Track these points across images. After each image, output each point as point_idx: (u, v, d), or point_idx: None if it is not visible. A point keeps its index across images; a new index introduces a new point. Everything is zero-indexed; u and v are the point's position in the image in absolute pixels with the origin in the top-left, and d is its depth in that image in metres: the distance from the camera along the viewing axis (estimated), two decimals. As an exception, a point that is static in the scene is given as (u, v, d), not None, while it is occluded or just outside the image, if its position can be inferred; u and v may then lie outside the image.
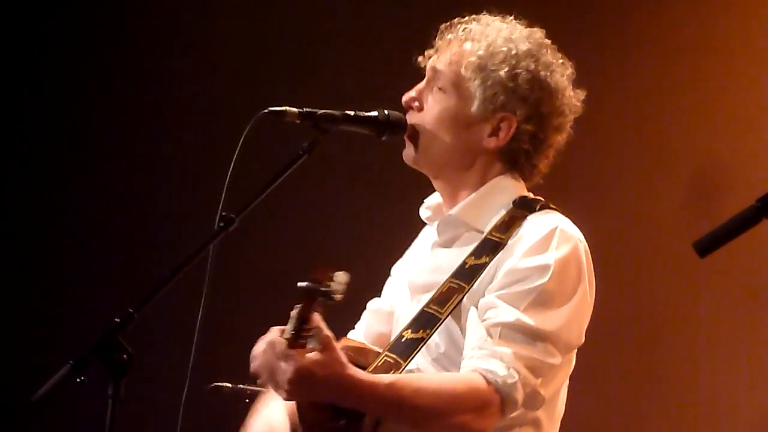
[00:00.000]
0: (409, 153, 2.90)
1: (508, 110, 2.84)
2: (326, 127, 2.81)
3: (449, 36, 2.92)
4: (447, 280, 2.77)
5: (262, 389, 3.64)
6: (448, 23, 2.95)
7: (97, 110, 5.68)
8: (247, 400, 3.62)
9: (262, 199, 2.70)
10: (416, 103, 2.91)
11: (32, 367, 3.56)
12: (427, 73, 2.93)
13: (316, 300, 2.47)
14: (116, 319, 2.52)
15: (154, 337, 4.48)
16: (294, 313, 2.52)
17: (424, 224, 3.06)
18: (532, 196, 2.89)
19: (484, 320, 2.68)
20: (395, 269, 3.09)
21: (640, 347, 4.85)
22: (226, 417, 4.01)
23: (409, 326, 2.76)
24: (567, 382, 2.84)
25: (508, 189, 2.87)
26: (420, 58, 2.97)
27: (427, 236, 3.03)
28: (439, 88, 2.88)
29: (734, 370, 4.77)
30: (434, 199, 2.98)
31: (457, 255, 2.82)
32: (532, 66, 2.85)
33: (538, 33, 2.91)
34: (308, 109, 2.81)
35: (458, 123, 2.85)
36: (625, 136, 5.00)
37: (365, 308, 3.08)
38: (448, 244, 2.89)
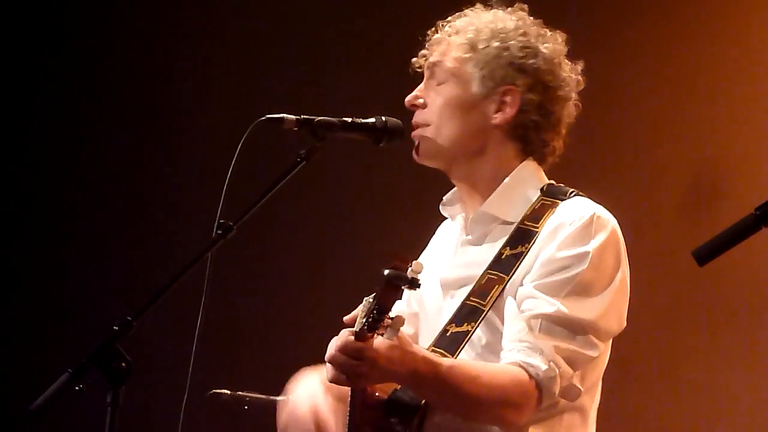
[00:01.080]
0: (419, 149, 2.90)
1: (509, 83, 2.84)
2: (324, 134, 2.81)
3: (438, 35, 2.94)
4: (485, 272, 2.78)
5: (261, 396, 3.65)
6: (434, 28, 2.97)
7: (94, 117, 5.68)
8: (246, 407, 3.62)
9: (260, 206, 2.70)
10: (420, 101, 2.91)
11: (31, 376, 3.56)
12: (425, 73, 2.94)
13: (399, 290, 2.44)
14: (115, 327, 2.52)
15: (152, 345, 4.47)
16: (369, 300, 2.50)
17: (427, 226, 3.06)
18: (560, 184, 2.89)
19: (523, 311, 2.69)
20: (439, 275, 3.06)
21: (639, 350, 4.85)
22: (225, 424, 4.02)
23: (452, 320, 2.77)
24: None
25: (531, 177, 2.87)
26: (415, 61, 2.97)
27: (448, 233, 3.02)
28: (439, 80, 2.89)
29: (734, 374, 4.77)
30: (453, 195, 2.98)
31: (490, 250, 2.82)
32: (523, 37, 2.87)
33: (521, 11, 2.94)
34: (306, 116, 2.81)
35: (463, 107, 2.86)
36: (623, 140, 5.00)
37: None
38: (479, 241, 2.88)
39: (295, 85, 5.33)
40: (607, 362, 2.84)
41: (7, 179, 5.79)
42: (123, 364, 2.49)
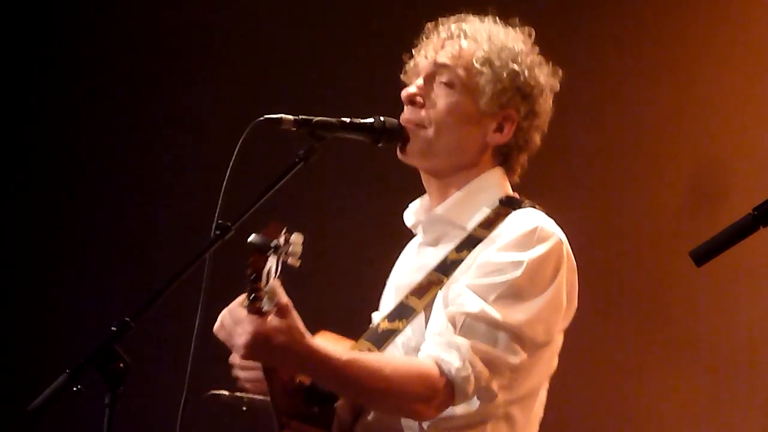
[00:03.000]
0: (411, 148, 2.88)
1: (512, 107, 2.86)
2: (322, 134, 2.81)
3: (443, 34, 2.91)
4: (428, 273, 2.79)
5: (260, 397, 3.64)
6: (434, 22, 2.96)
7: (93, 117, 5.67)
8: (245, 408, 3.62)
9: (259, 206, 2.69)
10: (419, 99, 2.89)
11: (29, 377, 3.56)
12: (427, 69, 2.90)
13: (265, 254, 2.43)
14: (113, 328, 2.52)
15: (150, 346, 4.47)
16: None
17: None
18: (518, 195, 2.90)
19: (450, 308, 2.69)
20: (388, 282, 3.08)
21: (639, 349, 4.85)
22: (223, 425, 4.01)
23: (386, 317, 2.79)
24: (547, 385, 2.84)
25: (493, 187, 2.88)
26: (415, 53, 2.95)
27: (413, 244, 3.03)
28: (444, 83, 2.87)
29: (734, 372, 4.77)
30: (418, 204, 2.97)
31: (442, 252, 2.83)
32: (531, 65, 2.88)
33: (527, 33, 2.94)
34: (304, 117, 2.81)
35: (467, 118, 2.86)
36: (623, 140, 4.99)
37: (366, 317, 3.07)
38: (434, 243, 2.89)
39: (293, 85, 5.33)
40: (545, 379, 2.82)
41: (6, 179, 5.79)
42: (121, 365, 2.49)
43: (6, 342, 5.66)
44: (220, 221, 2.66)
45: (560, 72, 2.95)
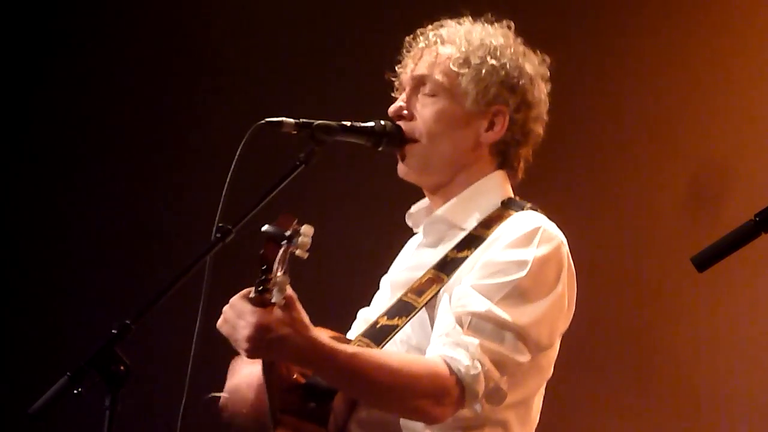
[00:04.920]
0: (408, 164, 2.89)
1: (501, 102, 2.86)
2: (323, 137, 2.81)
3: (421, 44, 2.92)
4: (427, 271, 2.79)
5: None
6: (412, 35, 2.96)
7: (94, 119, 5.68)
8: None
9: (259, 209, 2.69)
10: (405, 112, 2.90)
11: (29, 379, 3.56)
12: (409, 83, 2.92)
13: (279, 245, 2.42)
14: (113, 331, 2.52)
15: (151, 349, 4.47)
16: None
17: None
18: (519, 198, 2.90)
19: (456, 308, 2.68)
20: (383, 281, 3.09)
21: (639, 351, 4.84)
22: (223, 428, 4.01)
23: (385, 313, 2.79)
24: (543, 392, 2.83)
25: (495, 189, 2.88)
26: (399, 69, 2.96)
27: (414, 243, 3.03)
28: (427, 94, 2.88)
29: (734, 374, 4.77)
30: (420, 205, 2.98)
31: (442, 252, 2.83)
32: (513, 56, 2.88)
33: (506, 27, 2.94)
34: (305, 120, 2.81)
35: (456, 122, 2.86)
36: (624, 140, 5.00)
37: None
38: (434, 244, 2.90)
39: (294, 88, 5.33)
40: (542, 384, 2.81)
41: (7, 181, 5.79)
42: (121, 368, 2.49)
43: (7, 344, 5.66)
44: (220, 224, 2.66)
45: (548, 59, 2.95)
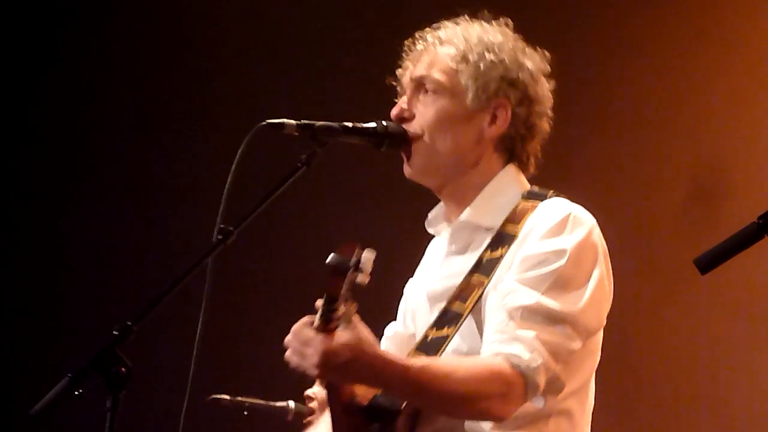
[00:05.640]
0: (413, 164, 2.88)
1: (502, 96, 2.85)
2: (324, 139, 2.80)
3: (419, 47, 2.93)
4: (465, 276, 2.78)
5: (261, 402, 3.64)
6: (411, 39, 2.97)
7: (96, 120, 5.68)
8: (246, 413, 3.62)
9: (261, 211, 2.69)
10: (407, 114, 2.89)
11: (30, 381, 3.56)
12: (410, 85, 2.92)
13: (345, 276, 2.43)
14: (115, 332, 2.52)
15: (152, 350, 4.47)
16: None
17: (429, 236, 3.05)
18: (538, 188, 2.89)
19: (505, 304, 2.68)
20: (408, 289, 3.07)
21: (639, 352, 4.84)
22: (225, 429, 4.01)
23: (433, 325, 2.78)
24: (594, 375, 2.84)
25: (513, 183, 2.88)
26: (400, 72, 2.96)
27: (437, 249, 3.02)
28: (427, 93, 2.88)
29: (734, 375, 4.77)
30: (437, 211, 2.97)
31: (473, 258, 2.82)
32: (512, 51, 2.88)
33: (505, 25, 2.95)
34: (306, 121, 2.81)
35: (457, 119, 2.86)
36: (624, 140, 5.00)
37: (380, 328, 3.06)
38: (462, 251, 2.88)
39: (295, 90, 5.33)
40: (595, 367, 2.82)
41: (7, 182, 5.79)
42: (123, 369, 2.49)
43: (8, 346, 5.66)
44: (222, 225, 2.65)
45: (548, 55, 2.95)
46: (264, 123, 2.77)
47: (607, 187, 4.90)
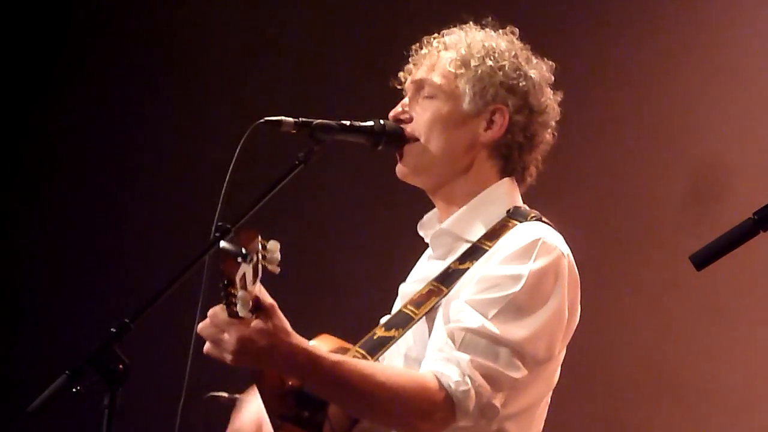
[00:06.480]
0: (405, 164, 2.89)
1: (499, 102, 2.86)
2: (322, 137, 2.81)
3: (424, 51, 2.94)
4: (428, 283, 2.78)
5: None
6: (418, 44, 2.98)
7: (93, 118, 5.68)
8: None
9: (258, 209, 2.69)
10: (406, 116, 2.90)
11: (28, 378, 3.56)
12: (410, 87, 2.93)
13: (235, 261, 2.40)
14: (112, 329, 2.52)
15: (150, 348, 4.47)
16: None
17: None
18: (526, 207, 2.88)
19: (451, 323, 2.66)
20: (400, 289, 3.06)
21: (639, 352, 4.85)
22: (222, 427, 4.01)
23: (384, 325, 2.78)
24: (548, 400, 2.81)
25: (503, 197, 2.87)
26: (401, 75, 2.97)
27: (428, 251, 3.02)
28: (426, 96, 2.89)
29: (733, 374, 4.77)
30: (431, 215, 2.98)
31: (447, 264, 2.82)
32: (514, 59, 2.88)
33: (511, 33, 2.95)
34: (304, 119, 2.81)
35: (452, 122, 2.86)
36: (624, 140, 5.00)
37: (371, 320, 3.06)
38: (442, 256, 2.88)
39: (293, 87, 5.33)
40: (545, 395, 2.79)
41: (6, 181, 5.79)
42: (120, 367, 2.49)
43: (5, 343, 5.66)
44: (219, 223, 2.65)
45: (553, 65, 2.95)
46: (261, 120, 2.77)
47: (607, 188, 4.90)
